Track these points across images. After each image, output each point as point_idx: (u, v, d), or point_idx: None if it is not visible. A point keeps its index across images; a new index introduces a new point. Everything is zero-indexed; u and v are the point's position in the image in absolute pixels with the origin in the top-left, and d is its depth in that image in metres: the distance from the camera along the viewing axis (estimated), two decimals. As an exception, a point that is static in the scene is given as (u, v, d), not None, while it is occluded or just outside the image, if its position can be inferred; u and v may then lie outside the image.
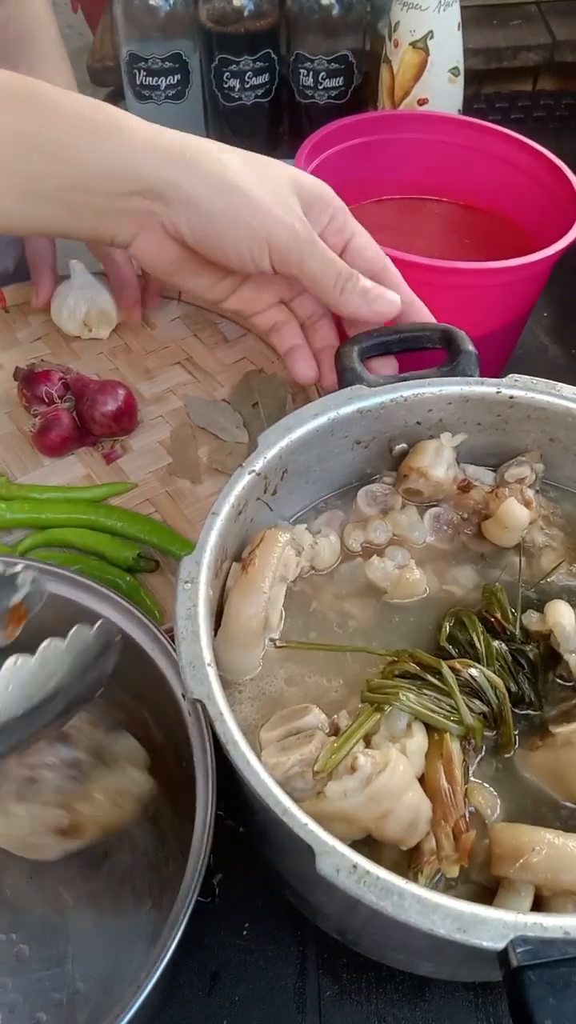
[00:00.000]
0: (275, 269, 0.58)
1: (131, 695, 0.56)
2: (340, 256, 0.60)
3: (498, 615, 0.51)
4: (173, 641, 0.49)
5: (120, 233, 0.57)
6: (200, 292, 0.62)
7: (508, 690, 0.48)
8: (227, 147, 0.57)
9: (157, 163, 0.54)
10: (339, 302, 0.58)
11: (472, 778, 0.47)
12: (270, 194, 0.55)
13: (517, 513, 0.54)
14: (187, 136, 0.56)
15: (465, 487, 0.57)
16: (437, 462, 0.56)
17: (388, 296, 0.59)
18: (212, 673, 0.43)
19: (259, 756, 0.41)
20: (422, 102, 0.93)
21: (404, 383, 0.56)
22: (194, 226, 0.56)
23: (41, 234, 0.57)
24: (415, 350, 0.61)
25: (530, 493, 0.56)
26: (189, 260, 0.59)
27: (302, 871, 0.43)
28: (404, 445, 0.58)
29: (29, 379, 0.75)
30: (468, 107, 0.98)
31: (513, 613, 0.51)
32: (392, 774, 0.42)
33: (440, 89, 0.92)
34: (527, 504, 0.55)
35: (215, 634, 0.48)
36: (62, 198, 0.55)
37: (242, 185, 0.55)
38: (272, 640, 0.51)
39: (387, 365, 0.61)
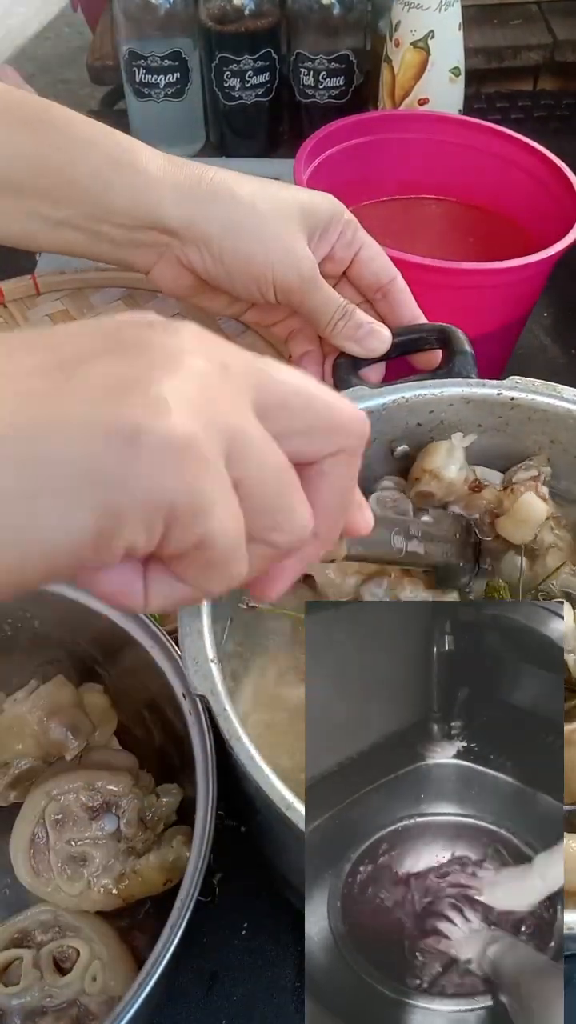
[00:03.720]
0: (278, 301, 0.59)
1: (131, 695, 0.56)
2: (348, 268, 0.61)
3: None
4: (174, 641, 0.49)
5: (139, 261, 0.60)
6: (218, 311, 0.64)
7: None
8: (242, 178, 0.58)
9: (171, 199, 0.56)
10: (331, 337, 0.60)
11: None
12: (279, 233, 0.57)
13: (536, 506, 0.54)
14: (202, 169, 0.57)
15: (476, 487, 0.56)
16: (449, 463, 0.55)
17: (380, 333, 0.59)
18: (215, 669, 0.43)
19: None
20: (423, 102, 0.92)
21: (406, 384, 0.56)
22: (206, 262, 0.57)
23: (68, 254, 0.60)
24: (413, 351, 0.61)
25: (544, 490, 0.56)
26: (204, 286, 0.60)
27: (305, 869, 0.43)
28: (405, 447, 0.57)
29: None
30: (468, 107, 0.98)
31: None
32: None
33: (441, 89, 0.92)
34: (543, 500, 0.54)
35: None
36: (82, 226, 0.57)
37: (252, 225, 0.56)
38: (243, 601, 0.51)
39: (375, 371, 0.62)
